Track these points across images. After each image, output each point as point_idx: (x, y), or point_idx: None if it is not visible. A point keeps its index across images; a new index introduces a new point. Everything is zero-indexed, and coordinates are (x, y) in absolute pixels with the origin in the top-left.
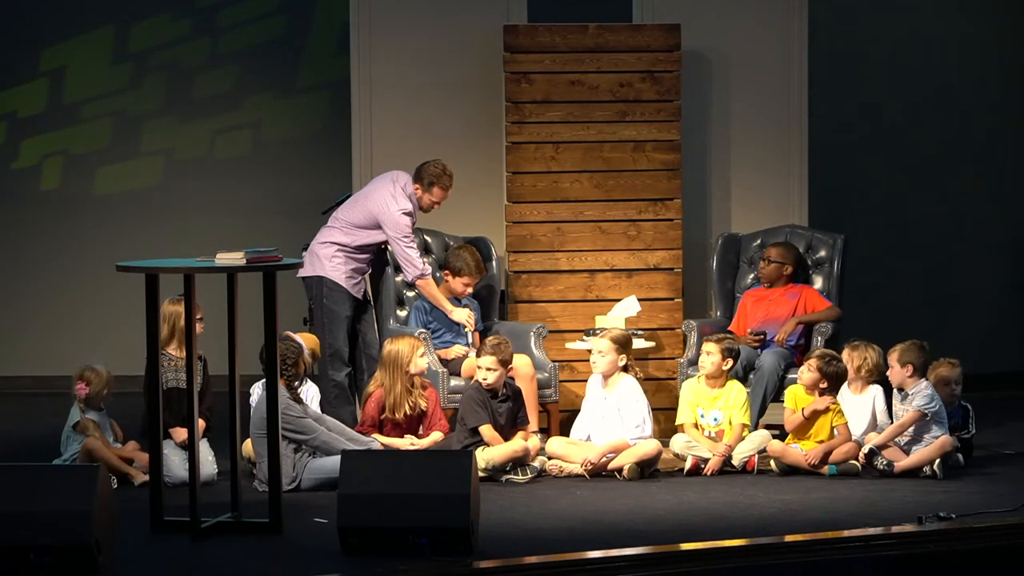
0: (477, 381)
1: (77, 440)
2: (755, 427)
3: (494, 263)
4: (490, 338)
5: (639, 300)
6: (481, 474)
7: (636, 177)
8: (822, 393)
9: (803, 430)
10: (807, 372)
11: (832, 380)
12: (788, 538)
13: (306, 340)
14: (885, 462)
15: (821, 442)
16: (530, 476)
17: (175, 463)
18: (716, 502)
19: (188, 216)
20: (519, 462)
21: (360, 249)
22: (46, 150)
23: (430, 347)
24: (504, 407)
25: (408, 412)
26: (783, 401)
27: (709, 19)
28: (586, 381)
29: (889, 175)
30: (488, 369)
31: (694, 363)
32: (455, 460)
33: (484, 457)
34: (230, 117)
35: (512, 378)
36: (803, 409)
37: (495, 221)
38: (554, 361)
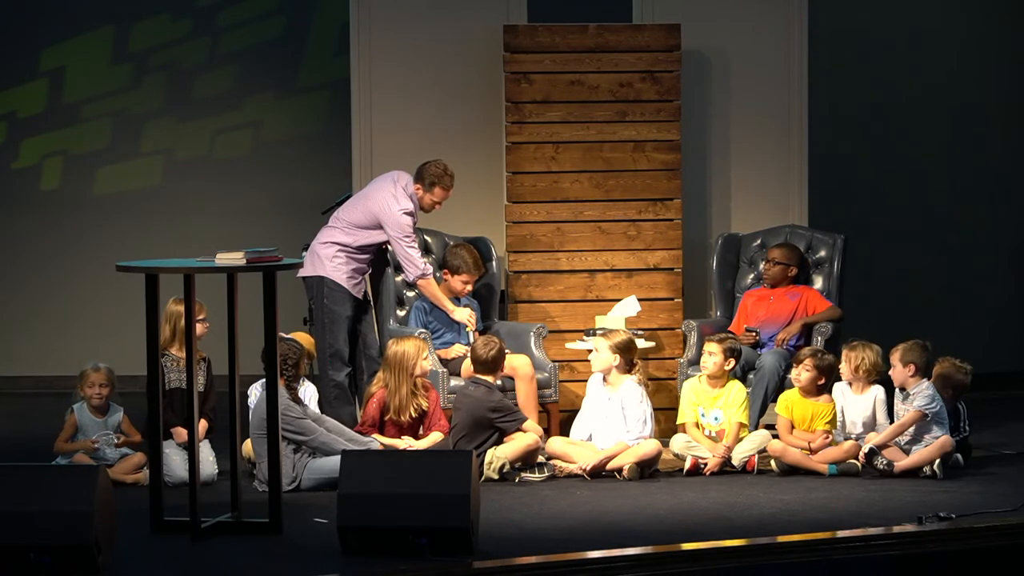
0: (493, 382)
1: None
2: (755, 427)
3: (494, 263)
4: (491, 343)
5: (639, 300)
6: (494, 476)
7: (636, 177)
8: (819, 389)
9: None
10: (804, 372)
11: (828, 374)
12: (788, 538)
13: (300, 340)
14: (885, 462)
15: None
16: (547, 475)
17: (175, 463)
18: (716, 502)
19: (188, 216)
20: (530, 459)
21: (361, 249)
22: (46, 150)
23: (430, 347)
24: None
25: (412, 414)
26: None
27: (709, 19)
28: (586, 381)
29: (889, 175)
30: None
31: (694, 363)
32: (455, 460)
33: (498, 455)
34: (230, 117)
35: (511, 377)
36: (810, 444)
37: (495, 221)
38: (554, 361)
